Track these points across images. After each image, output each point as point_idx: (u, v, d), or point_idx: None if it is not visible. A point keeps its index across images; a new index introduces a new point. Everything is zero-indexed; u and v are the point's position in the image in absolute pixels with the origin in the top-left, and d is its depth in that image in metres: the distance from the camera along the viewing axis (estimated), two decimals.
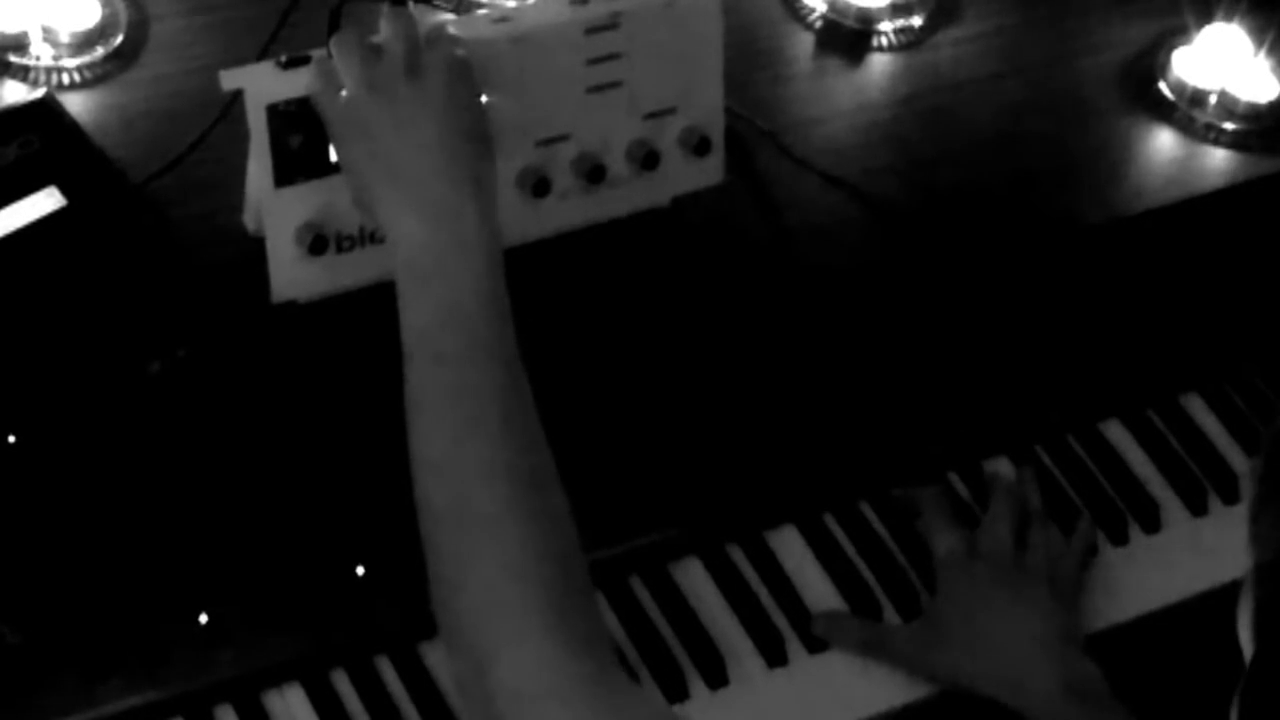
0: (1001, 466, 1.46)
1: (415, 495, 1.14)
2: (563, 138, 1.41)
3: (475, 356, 1.15)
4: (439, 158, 1.20)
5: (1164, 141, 1.65)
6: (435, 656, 1.30)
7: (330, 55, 1.26)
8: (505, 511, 1.11)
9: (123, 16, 1.55)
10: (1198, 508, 1.47)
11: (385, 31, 1.24)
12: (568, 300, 1.43)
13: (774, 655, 1.34)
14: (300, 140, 1.32)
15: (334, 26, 1.32)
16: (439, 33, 1.26)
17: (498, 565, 1.09)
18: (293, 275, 1.36)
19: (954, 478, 1.45)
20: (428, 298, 1.17)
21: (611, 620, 1.33)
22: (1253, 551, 0.96)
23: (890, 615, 1.38)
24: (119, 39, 1.54)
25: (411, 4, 1.33)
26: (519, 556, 1.09)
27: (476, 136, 1.22)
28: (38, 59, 1.52)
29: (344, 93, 1.23)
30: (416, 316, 1.17)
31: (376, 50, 1.23)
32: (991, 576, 1.36)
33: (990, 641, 1.32)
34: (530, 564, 1.09)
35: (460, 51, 1.25)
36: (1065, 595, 1.37)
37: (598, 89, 1.40)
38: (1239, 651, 0.99)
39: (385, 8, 1.26)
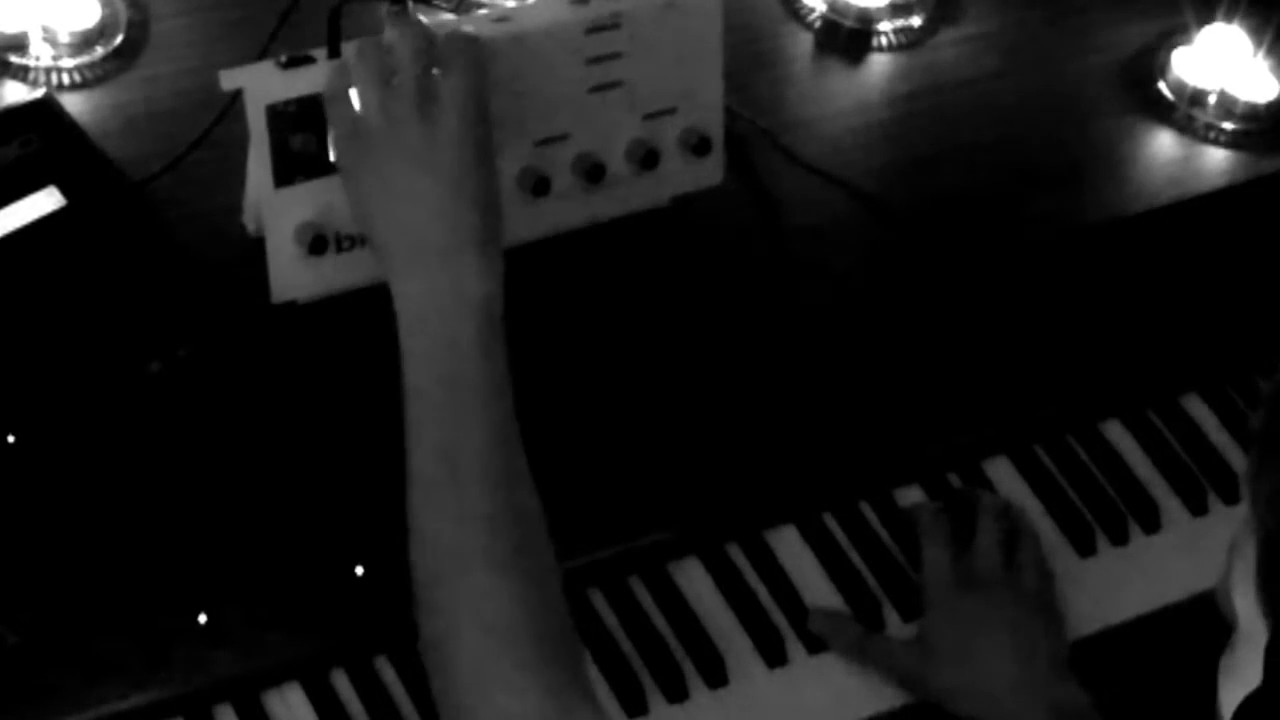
0: (1001, 466, 1.46)
1: (409, 539, 1.17)
2: (563, 137, 1.41)
3: (468, 405, 1.18)
4: (445, 205, 1.21)
5: (1164, 141, 1.65)
6: None
7: (340, 62, 1.27)
8: (491, 565, 1.14)
9: (123, 16, 1.55)
10: (1198, 508, 1.47)
11: (399, 51, 1.24)
12: (567, 300, 1.43)
13: (774, 655, 1.34)
14: (300, 140, 1.32)
15: (334, 26, 1.32)
16: (455, 45, 1.25)
17: (486, 618, 1.13)
18: (293, 275, 1.36)
19: (954, 478, 1.45)
20: (424, 340, 1.20)
21: (612, 620, 1.33)
22: (1254, 513, 0.95)
23: (890, 615, 1.38)
24: (119, 39, 1.54)
25: (411, 3, 1.33)
26: (506, 609, 1.13)
27: (484, 175, 1.23)
28: (37, 59, 1.52)
29: (356, 108, 1.24)
30: (414, 357, 1.20)
31: (391, 70, 1.23)
32: (983, 599, 1.35)
33: (982, 665, 1.32)
34: (518, 617, 1.13)
35: (475, 51, 1.25)
36: (1053, 618, 1.37)
37: (598, 89, 1.40)
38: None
39: (388, 17, 1.26)
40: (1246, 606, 0.96)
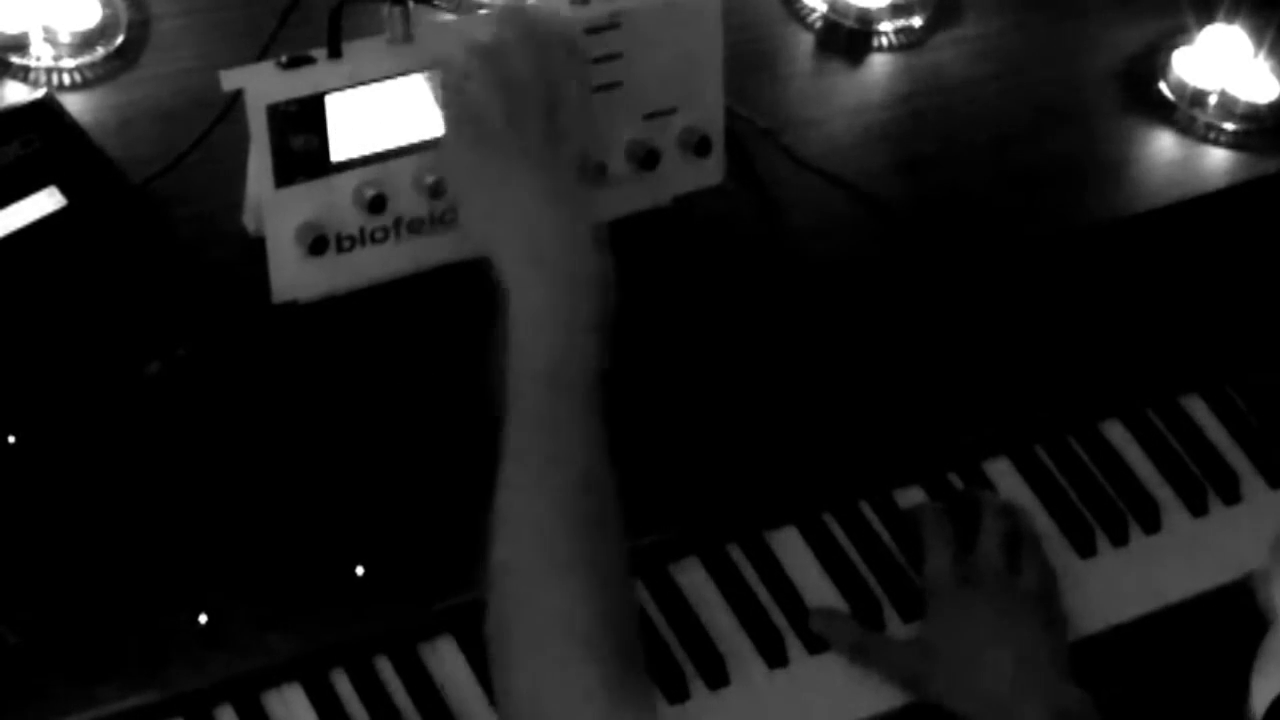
0: (1001, 466, 1.46)
1: (493, 529, 1.17)
2: None
3: (570, 412, 1.19)
4: (576, 242, 1.23)
5: (1164, 141, 1.65)
6: (435, 656, 1.30)
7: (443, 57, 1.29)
8: (571, 566, 1.14)
9: (123, 16, 1.55)
10: (1198, 508, 1.47)
11: (520, 64, 1.26)
12: None
13: (774, 655, 1.34)
14: (301, 140, 1.32)
15: (334, 26, 1.32)
16: (575, 70, 1.29)
17: (560, 615, 1.13)
18: (293, 275, 1.36)
19: (954, 478, 1.45)
20: (538, 348, 1.20)
21: None
22: None
23: (890, 615, 1.38)
24: (119, 39, 1.54)
25: (411, 3, 1.33)
26: (582, 608, 1.13)
27: (597, 221, 1.26)
28: (38, 59, 1.52)
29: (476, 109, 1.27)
30: (522, 380, 1.20)
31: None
32: (985, 601, 1.35)
33: (982, 667, 1.32)
34: (590, 616, 1.13)
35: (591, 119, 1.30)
36: (1055, 619, 1.37)
37: (598, 89, 1.40)
38: (1240, 649, 0.99)
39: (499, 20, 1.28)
40: None
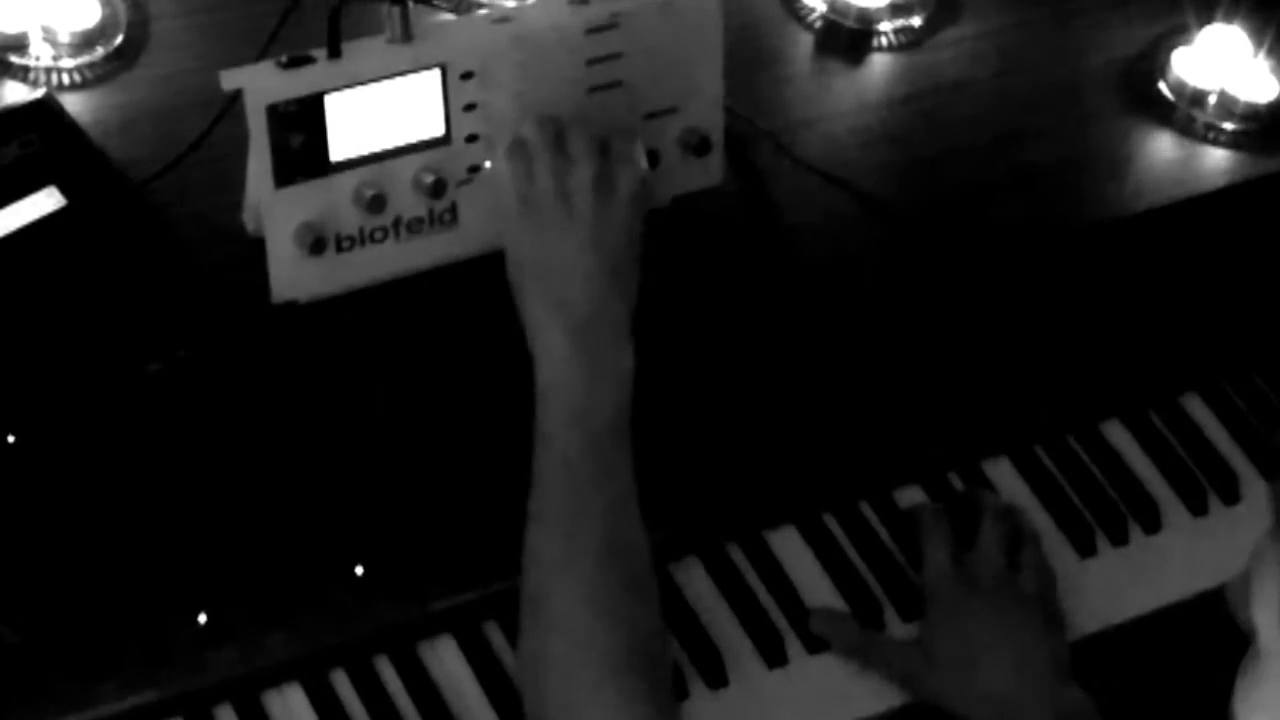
0: (1001, 466, 1.46)
1: (523, 559, 1.23)
2: None
3: (595, 458, 1.24)
4: (600, 290, 1.28)
5: (1164, 141, 1.65)
6: (435, 656, 1.30)
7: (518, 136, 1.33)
8: (596, 592, 1.20)
9: (123, 16, 1.55)
10: (1198, 508, 1.47)
11: (574, 143, 1.31)
12: None
13: (774, 655, 1.34)
14: (300, 140, 1.32)
15: (334, 26, 1.32)
16: (628, 142, 1.33)
17: (587, 640, 1.18)
18: (293, 275, 1.36)
19: (954, 478, 1.45)
20: (560, 406, 1.25)
21: None
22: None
23: (890, 615, 1.38)
24: (119, 39, 1.54)
25: (410, 3, 1.33)
26: (607, 633, 1.19)
27: (635, 266, 1.31)
28: (38, 59, 1.52)
29: (534, 181, 1.31)
30: (548, 422, 1.25)
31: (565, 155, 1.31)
32: (984, 601, 1.35)
33: (982, 667, 1.32)
34: (616, 641, 1.18)
35: (644, 165, 1.33)
36: (1054, 620, 1.37)
37: (598, 89, 1.40)
38: (1240, 650, 0.99)
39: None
40: (1269, 624, 0.94)
